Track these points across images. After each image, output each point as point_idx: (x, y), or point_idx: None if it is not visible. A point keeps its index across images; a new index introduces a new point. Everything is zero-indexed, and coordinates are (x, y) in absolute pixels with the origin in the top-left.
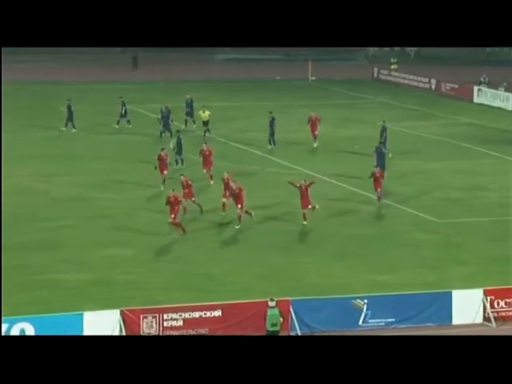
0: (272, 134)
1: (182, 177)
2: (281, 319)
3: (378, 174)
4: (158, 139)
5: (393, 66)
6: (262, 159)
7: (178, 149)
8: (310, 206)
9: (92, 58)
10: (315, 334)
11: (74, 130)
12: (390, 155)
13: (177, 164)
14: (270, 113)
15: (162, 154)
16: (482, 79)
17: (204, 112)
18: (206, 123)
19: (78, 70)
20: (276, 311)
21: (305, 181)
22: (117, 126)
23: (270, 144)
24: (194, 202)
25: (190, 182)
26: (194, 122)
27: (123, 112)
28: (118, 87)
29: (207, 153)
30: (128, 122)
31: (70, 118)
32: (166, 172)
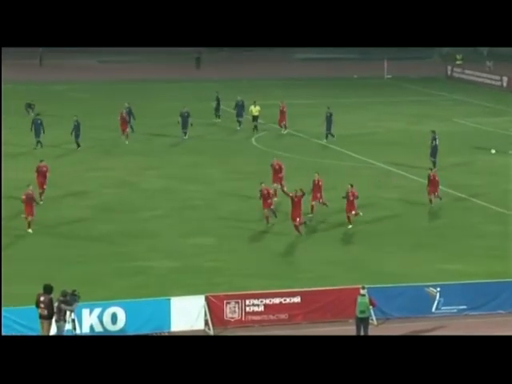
0: (329, 128)
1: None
2: (370, 307)
3: (431, 177)
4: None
5: (458, 62)
6: (339, 153)
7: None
8: (298, 219)
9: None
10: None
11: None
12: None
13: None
14: (328, 108)
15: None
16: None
17: (255, 107)
18: (255, 118)
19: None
20: (365, 299)
21: (296, 191)
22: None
23: (327, 138)
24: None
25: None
26: (239, 123)
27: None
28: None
29: (277, 167)
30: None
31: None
32: None
